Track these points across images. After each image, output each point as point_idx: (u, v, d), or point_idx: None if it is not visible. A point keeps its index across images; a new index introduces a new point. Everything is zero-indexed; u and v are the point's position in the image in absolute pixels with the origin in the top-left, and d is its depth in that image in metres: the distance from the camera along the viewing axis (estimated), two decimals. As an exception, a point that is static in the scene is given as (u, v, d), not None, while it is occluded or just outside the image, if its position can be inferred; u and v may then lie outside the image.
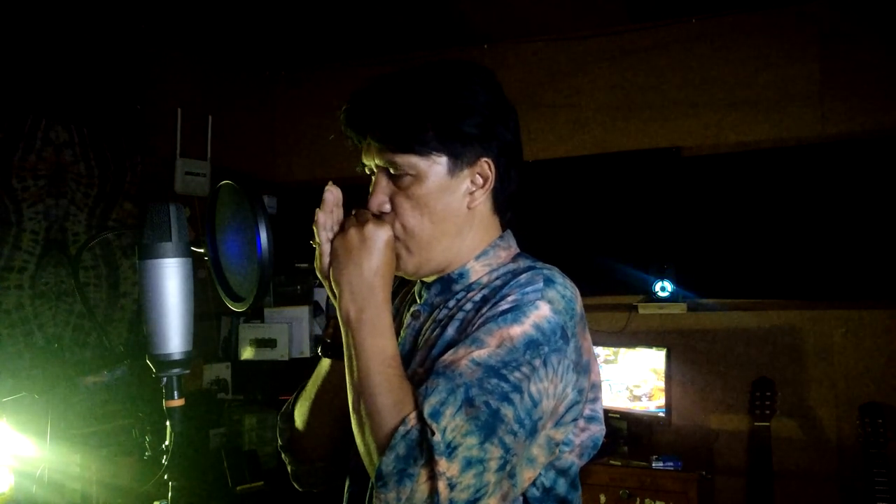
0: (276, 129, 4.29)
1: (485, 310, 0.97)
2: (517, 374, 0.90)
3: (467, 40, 3.72)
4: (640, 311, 3.40)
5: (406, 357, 1.05)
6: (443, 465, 0.84)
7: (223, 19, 3.48)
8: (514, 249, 1.12)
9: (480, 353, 0.91)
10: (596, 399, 1.04)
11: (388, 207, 1.04)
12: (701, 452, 3.24)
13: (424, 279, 1.11)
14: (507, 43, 3.74)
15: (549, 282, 0.98)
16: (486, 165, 1.04)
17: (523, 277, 0.99)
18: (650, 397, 3.23)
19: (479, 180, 1.05)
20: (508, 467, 0.90)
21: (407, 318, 1.12)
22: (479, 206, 1.06)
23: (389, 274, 1.00)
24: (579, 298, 1.01)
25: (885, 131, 3.08)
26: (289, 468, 1.20)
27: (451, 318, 1.03)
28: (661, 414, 3.20)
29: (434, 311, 1.08)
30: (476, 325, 0.96)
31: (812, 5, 3.22)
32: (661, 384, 3.21)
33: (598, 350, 3.34)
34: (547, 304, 0.95)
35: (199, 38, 3.73)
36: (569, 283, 1.01)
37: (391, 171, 1.03)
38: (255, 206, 0.93)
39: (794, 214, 3.20)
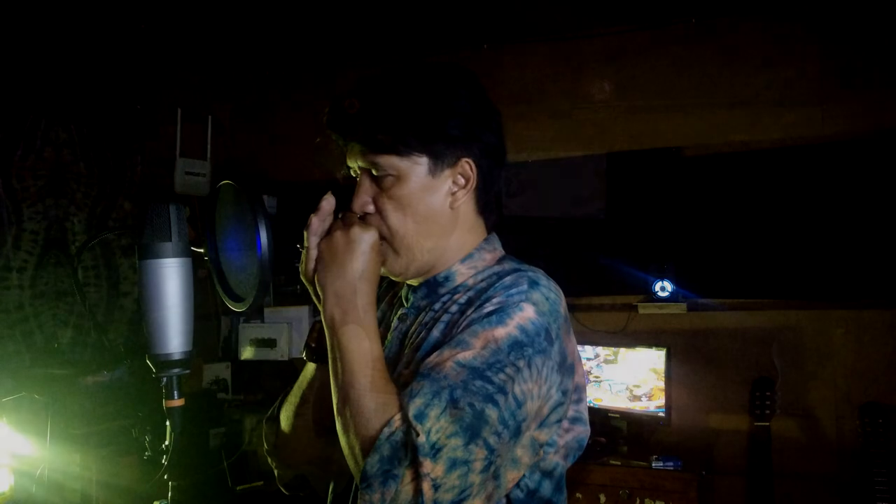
0: (276, 129, 4.28)
1: (470, 312, 0.98)
2: (501, 376, 0.91)
3: (467, 41, 3.72)
4: (640, 311, 3.40)
5: (393, 360, 1.06)
6: (427, 465, 0.85)
7: (223, 19, 3.48)
8: (499, 252, 1.13)
9: (465, 355, 0.91)
10: (580, 400, 1.04)
11: (371, 209, 1.04)
12: (701, 452, 3.23)
13: (410, 282, 1.12)
14: (507, 43, 3.74)
15: (533, 284, 0.99)
16: (467, 166, 1.05)
17: (508, 279, 1.00)
18: (650, 397, 3.22)
19: (461, 180, 1.05)
20: (493, 468, 0.90)
21: (394, 322, 1.13)
22: (463, 206, 1.07)
23: (374, 277, 1.01)
24: (563, 300, 1.01)
25: (885, 131, 3.07)
26: (275, 472, 1.21)
27: (436, 320, 1.04)
28: (661, 414, 3.20)
29: (420, 315, 1.09)
30: (461, 327, 0.96)
31: (812, 6, 3.21)
32: (661, 384, 3.21)
33: (599, 350, 3.34)
34: (531, 305, 0.96)
35: (199, 39, 3.72)
36: (553, 285, 1.02)
37: (373, 172, 1.04)
38: (255, 206, 0.93)
39: (794, 214, 3.20)
